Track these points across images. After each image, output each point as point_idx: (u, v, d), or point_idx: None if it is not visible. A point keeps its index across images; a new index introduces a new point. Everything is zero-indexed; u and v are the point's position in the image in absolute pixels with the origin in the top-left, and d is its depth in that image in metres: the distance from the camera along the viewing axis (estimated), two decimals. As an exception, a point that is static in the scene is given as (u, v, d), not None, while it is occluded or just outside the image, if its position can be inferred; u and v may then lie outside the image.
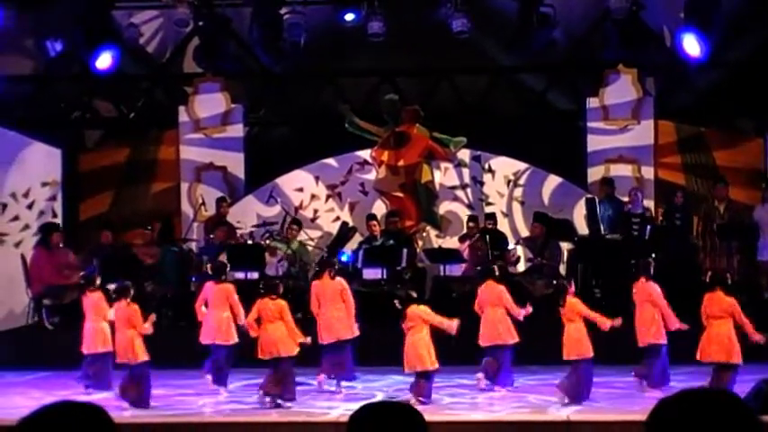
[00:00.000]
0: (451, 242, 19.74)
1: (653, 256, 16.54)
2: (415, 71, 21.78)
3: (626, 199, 19.57)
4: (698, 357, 13.88)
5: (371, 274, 18.03)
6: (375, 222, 19.39)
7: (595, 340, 14.67)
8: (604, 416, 13.01)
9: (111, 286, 15.44)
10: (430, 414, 12.77)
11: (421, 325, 13.88)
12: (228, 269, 16.26)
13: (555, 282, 16.43)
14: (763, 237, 18.47)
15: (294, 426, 13.02)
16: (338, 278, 15.48)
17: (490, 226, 19.39)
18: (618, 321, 14.19)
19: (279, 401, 13.76)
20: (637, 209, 19.61)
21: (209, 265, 16.38)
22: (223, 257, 18.44)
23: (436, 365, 13.88)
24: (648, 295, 14.67)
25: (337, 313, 15.17)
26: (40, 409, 3.45)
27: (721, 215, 19.03)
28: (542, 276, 18.41)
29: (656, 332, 14.56)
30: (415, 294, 14.45)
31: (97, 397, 13.93)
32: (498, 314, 15.01)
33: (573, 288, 14.48)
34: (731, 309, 13.81)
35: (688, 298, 14.92)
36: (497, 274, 15.41)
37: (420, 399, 13.59)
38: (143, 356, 13.94)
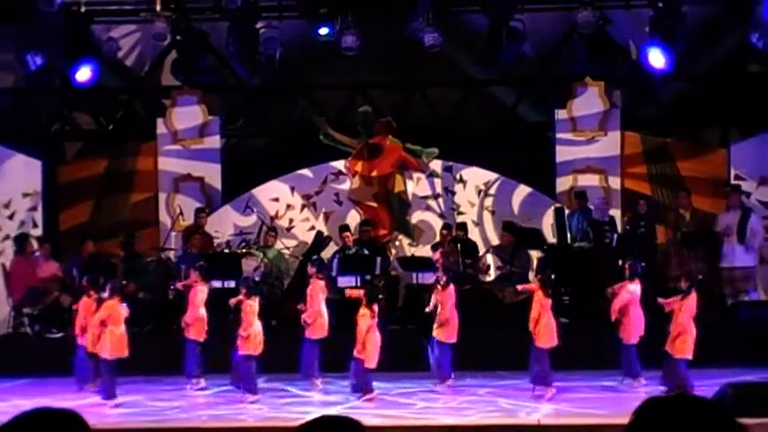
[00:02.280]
0: (424, 251, 19.74)
1: (619, 263, 16.61)
2: (387, 84, 21.78)
3: (592, 207, 19.68)
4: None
5: (346, 281, 18.00)
6: (348, 234, 19.38)
7: (568, 346, 14.79)
8: (574, 419, 13.01)
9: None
10: (403, 419, 12.79)
11: None
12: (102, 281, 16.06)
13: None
14: (727, 244, 18.54)
15: (269, 430, 12.97)
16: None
17: (461, 235, 19.41)
18: None
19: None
20: (604, 217, 19.69)
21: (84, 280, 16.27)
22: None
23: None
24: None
25: None
26: (18, 416, 3.42)
27: (687, 223, 19.10)
28: (512, 284, 18.42)
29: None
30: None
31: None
32: None
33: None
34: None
35: (654, 302, 15.04)
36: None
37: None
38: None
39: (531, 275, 19.05)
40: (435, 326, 15.46)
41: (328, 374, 15.88)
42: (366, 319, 14.58)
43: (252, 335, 14.70)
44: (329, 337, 15.64)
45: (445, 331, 15.40)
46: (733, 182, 19.62)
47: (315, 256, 17.58)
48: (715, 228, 18.74)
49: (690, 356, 14.25)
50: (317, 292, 15.80)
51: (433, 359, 15.60)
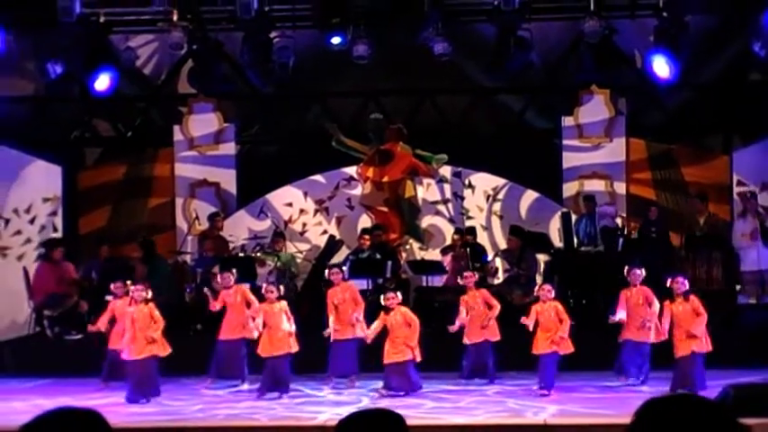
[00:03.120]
0: (434, 254, 19.76)
1: (626, 267, 16.64)
2: (398, 92, 21.79)
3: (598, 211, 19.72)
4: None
5: (357, 284, 18.00)
6: (366, 236, 19.36)
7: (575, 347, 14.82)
8: (580, 419, 13.01)
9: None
10: (414, 418, 12.80)
11: None
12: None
13: None
14: (750, 248, 18.38)
15: (283, 430, 12.99)
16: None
17: (470, 239, 19.42)
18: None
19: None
20: (611, 223, 19.70)
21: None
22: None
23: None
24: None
25: None
26: (40, 415, 3.44)
27: (701, 227, 19.08)
28: (519, 286, 18.44)
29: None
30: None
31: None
32: None
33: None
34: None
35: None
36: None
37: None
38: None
39: (539, 278, 19.14)
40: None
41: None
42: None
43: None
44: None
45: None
46: (736, 188, 19.59)
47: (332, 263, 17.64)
48: (730, 233, 18.66)
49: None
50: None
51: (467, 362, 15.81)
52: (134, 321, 14.78)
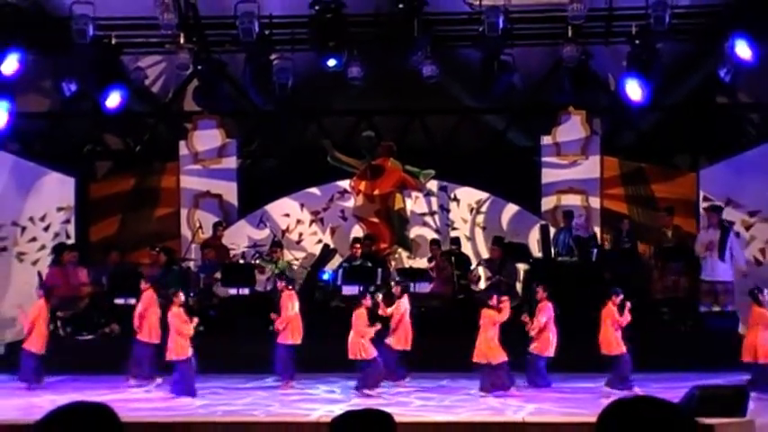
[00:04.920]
0: (421, 263, 19.77)
1: (605, 276, 16.76)
2: (389, 111, 21.82)
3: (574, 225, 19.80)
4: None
5: (349, 290, 18.04)
6: (358, 245, 19.39)
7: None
8: (555, 418, 13.05)
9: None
10: (401, 416, 12.82)
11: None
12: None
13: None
14: (709, 259, 18.37)
15: (279, 425, 13.00)
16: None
17: (455, 249, 19.47)
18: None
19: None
20: (585, 234, 19.76)
21: None
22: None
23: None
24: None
25: None
26: (54, 410, 3.46)
27: (669, 240, 19.14)
28: (500, 293, 18.43)
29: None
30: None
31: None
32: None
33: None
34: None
35: (636, 309, 15.16)
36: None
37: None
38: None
39: (519, 286, 19.20)
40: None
41: (332, 374, 15.98)
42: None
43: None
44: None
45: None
46: (702, 203, 19.64)
47: (285, 274, 17.64)
48: (695, 245, 18.69)
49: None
50: (287, 302, 16.01)
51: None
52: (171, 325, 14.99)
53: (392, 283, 16.83)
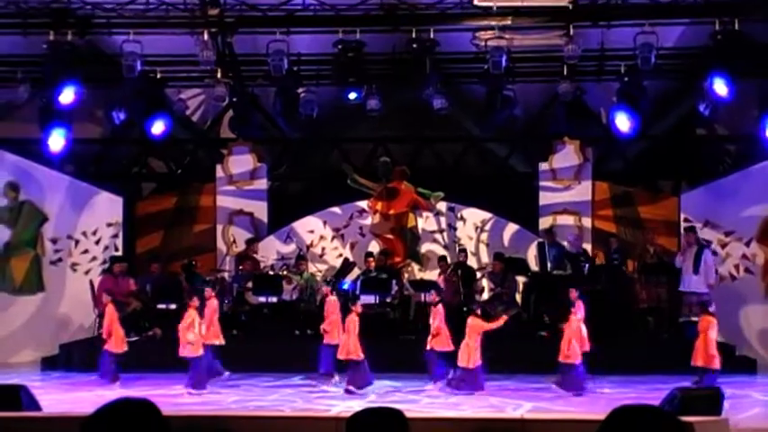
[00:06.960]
0: (431, 275, 19.76)
1: (597, 287, 16.70)
2: (403, 139, 21.85)
3: (565, 243, 19.79)
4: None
5: (367, 299, 18.05)
6: (371, 259, 19.41)
7: (548, 355, 14.80)
8: (552, 415, 13.00)
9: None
10: (411, 412, 12.80)
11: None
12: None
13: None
14: (685, 274, 18.27)
15: (303, 420, 12.98)
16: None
17: (462, 259, 19.44)
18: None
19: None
20: (577, 250, 19.75)
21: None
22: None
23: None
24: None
25: None
26: (103, 405, 3.48)
27: (651, 256, 19.11)
28: (502, 303, 18.48)
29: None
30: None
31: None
32: None
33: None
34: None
35: (623, 318, 15.10)
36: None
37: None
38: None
39: (518, 297, 19.18)
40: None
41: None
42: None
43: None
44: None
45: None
46: (683, 224, 19.60)
47: (330, 278, 17.65)
48: (674, 260, 18.64)
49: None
50: (332, 307, 16.09)
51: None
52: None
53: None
